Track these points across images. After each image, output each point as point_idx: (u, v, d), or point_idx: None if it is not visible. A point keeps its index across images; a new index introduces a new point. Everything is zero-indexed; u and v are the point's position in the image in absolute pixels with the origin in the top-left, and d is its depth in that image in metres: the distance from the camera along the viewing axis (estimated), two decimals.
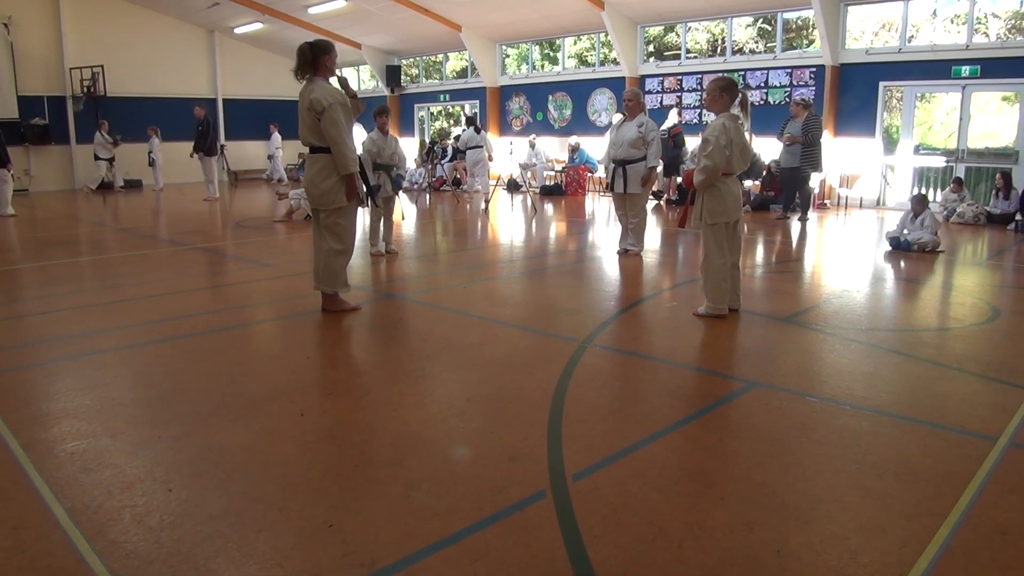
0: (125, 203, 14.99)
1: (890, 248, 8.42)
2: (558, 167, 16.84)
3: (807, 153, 11.03)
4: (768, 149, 12.76)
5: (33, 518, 2.51)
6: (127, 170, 18.16)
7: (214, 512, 2.54)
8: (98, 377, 4.03)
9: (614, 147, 7.77)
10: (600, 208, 13.56)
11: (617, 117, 8.00)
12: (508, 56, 19.16)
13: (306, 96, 4.95)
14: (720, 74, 6.02)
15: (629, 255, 7.82)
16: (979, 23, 12.19)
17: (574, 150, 16.10)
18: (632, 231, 7.87)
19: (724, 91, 5.08)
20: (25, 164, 17.25)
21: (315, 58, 4.96)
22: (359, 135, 21.32)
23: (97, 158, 17.00)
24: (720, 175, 5.09)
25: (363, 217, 9.32)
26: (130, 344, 4.68)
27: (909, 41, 12.61)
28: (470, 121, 14.32)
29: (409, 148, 18.93)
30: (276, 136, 19.46)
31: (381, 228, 7.97)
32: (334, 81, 5.16)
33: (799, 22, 14.52)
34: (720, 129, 5.01)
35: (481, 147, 14.15)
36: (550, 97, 17.80)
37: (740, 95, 5.11)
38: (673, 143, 13.25)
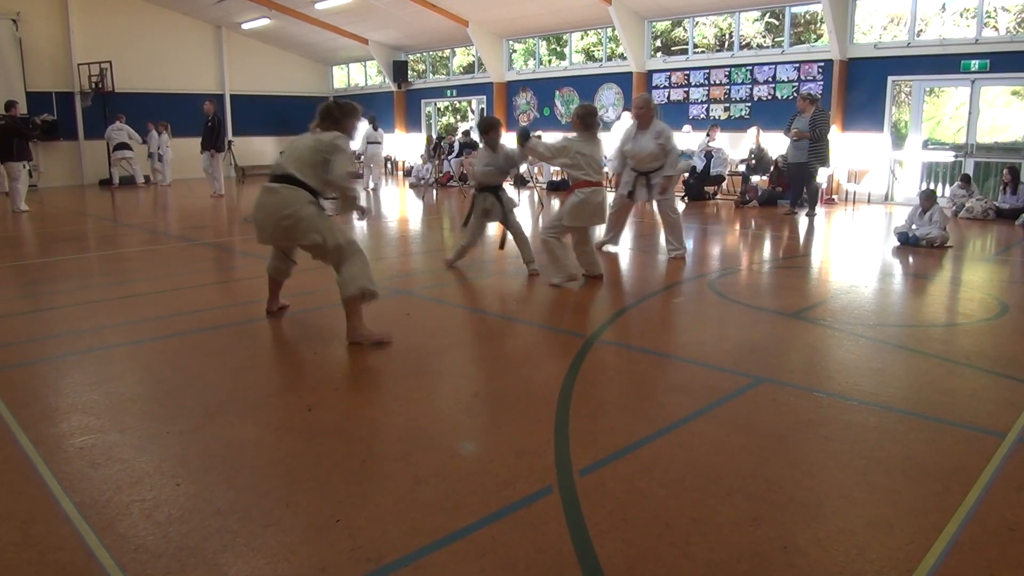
0: (132, 199, 15.03)
1: (898, 243, 8.38)
2: None
3: (814, 148, 10.96)
4: (775, 144, 12.72)
5: (42, 512, 2.53)
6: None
7: (222, 507, 2.55)
8: (106, 372, 4.05)
9: (634, 160, 7.38)
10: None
11: (627, 117, 7.73)
12: (515, 51, 19.13)
13: (320, 137, 4.63)
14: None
15: (674, 259, 7.47)
16: (988, 17, 12.10)
17: None
18: (670, 233, 7.53)
19: (579, 119, 6.11)
20: (34, 160, 17.33)
21: (342, 118, 4.74)
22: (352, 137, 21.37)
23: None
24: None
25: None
26: (138, 339, 4.70)
27: (918, 35, 12.53)
28: (370, 120, 15.68)
29: (415, 144, 18.95)
30: (164, 136, 17.76)
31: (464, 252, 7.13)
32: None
33: (807, 16, 14.44)
34: (567, 141, 6.11)
35: (379, 143, 16.07)
36: (557, 92, 17.77)
37: (595, 120, 6.17)
38: None
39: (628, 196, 7.60)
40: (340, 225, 4.78)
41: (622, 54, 16.15)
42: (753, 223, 10.85)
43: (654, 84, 15.74)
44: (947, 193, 11.89)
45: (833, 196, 13.26)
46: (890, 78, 12.66)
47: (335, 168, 4.52)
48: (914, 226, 8.39)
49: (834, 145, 11.79)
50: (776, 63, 13.99)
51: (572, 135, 6.16)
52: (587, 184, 6.04)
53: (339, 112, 4.76)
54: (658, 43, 16.26)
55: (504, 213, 6.67)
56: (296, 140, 4.79)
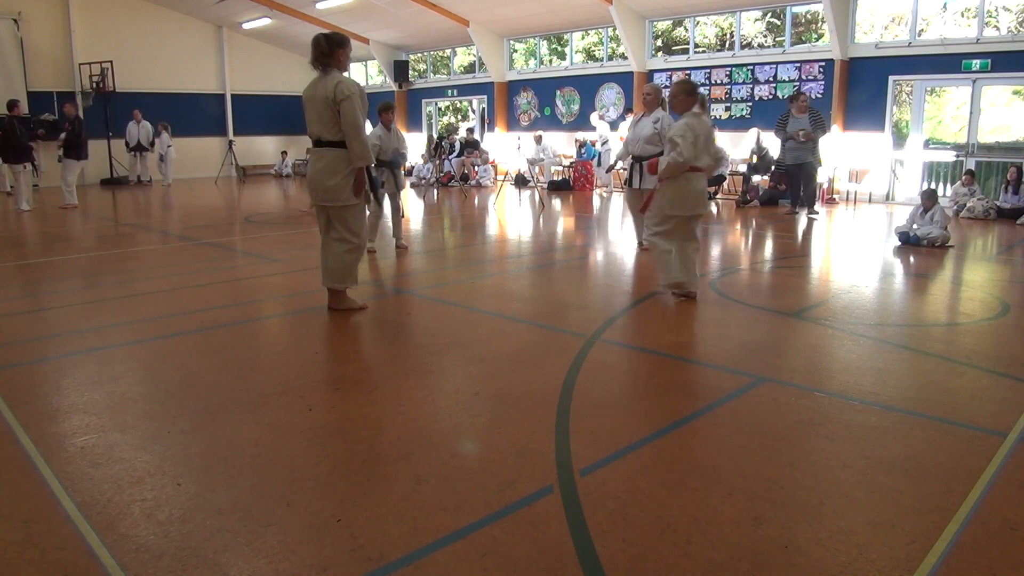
0: (134, 198, 15.04)
1: (899, 243, 8.37)
2: (566, 162, 16.81)
3: (813, 147, 10.96)
4: (776, 144, 12.70)
5: (44, 512, 2.53)
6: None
7: (223, 506, 2.55)
8: (108, 372, 4.05)
9: (631, 143, 7.70)
10: (608, 203, 13.53)
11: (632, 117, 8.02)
12: (516, 51, 19.12)
13: (325, 85, 4.83)
14: (685, 75, 6.52)
15: (646, 249, 7.77)
16: (989, 16, 12.10)
17: (582, 145, 16.08)
18: (647, 224, 7.82)
19: (689, 95, 5.45)
20: (36, 160, 17.31)
21: (331, 50, 4.88)
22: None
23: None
24: (686, 168, 5.39)
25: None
26: (139, 339, 4.70)
27: (919, 35, 12.53)
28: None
29: (417, 144, 18.94)
30: (164, 135, 17.76)
31: (379, 225, 8.02)
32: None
33: (808, 16, 14.44)
34: (685, 127, 5.35)
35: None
36: (558, 92, 17.77)
37: (700, 96, 5.50)
38: None
39: (628, 184, 7.83)
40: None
41: (623, 54, 16.15)
42: (754, 223, 10.85)
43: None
44: (948, 192, 11.89)
45: (834, 196, 13.25)
46: (891, 78, 12.66)
47: (345, 119, 4.80)
48: (915, 226, 8.38)
49: (827, 144, 11.80)
50: (777, 63, 13.98)
51: (683, 120, 5.41)
52: (694, 170, 5.43)
53: (327, 43, 4.89)
54: (659, 43, 16.25)
55: (396, 188, 7.82)
56: (310, 90, 4.96)
